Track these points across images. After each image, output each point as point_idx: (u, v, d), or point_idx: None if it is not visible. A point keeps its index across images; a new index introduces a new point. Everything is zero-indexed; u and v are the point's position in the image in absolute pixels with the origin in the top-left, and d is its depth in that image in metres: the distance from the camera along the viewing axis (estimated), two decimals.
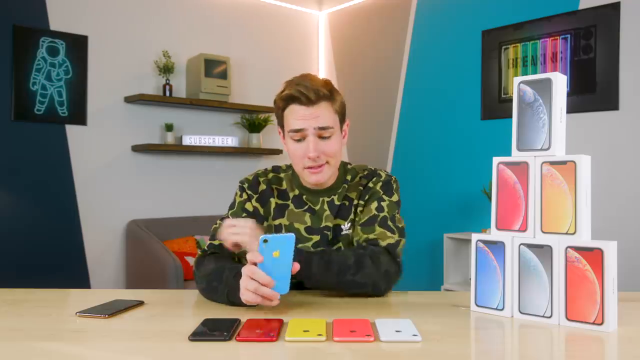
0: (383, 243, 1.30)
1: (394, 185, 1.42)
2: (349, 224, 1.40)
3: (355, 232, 1.36)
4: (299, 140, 1.33)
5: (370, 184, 1.41)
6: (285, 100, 1.34)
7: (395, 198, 1.40)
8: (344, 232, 1.39)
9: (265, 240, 1.07)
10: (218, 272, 1.22)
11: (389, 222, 1.35)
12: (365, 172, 1.45)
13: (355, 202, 1.41)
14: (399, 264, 1.31)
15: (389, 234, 1.32)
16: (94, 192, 3.49)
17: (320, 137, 1.33)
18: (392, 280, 1.27)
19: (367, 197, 1.40)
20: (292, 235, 1.08)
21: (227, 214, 1.44)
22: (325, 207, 1.41)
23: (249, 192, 1.44)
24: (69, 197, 3.39)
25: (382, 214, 1.35)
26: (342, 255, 1.23)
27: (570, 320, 1.00)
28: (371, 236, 1.32)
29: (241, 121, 4.14)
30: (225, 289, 1.17)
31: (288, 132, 1.35)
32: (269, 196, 1.44)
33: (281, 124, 1.41)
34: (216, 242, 1.36)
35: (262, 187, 1.45)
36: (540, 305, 1.04)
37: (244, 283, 1.08)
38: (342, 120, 1.39)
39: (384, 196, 1.39)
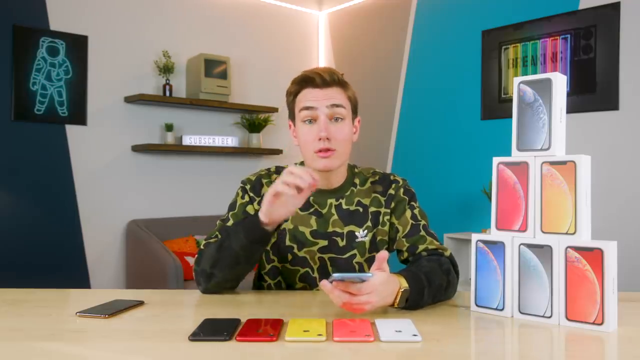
0: (447, 253, 1.32)
1: (412, 190, 1.44)
2: (365, 231, 1.37)
3: (401, 244, 1.35)
4: (309, 122, 1.32)
5: (392, 191, 1.40)
6: (299, 83, 1.34)
7: (418, 204, 1.42)
8: (359, 239, 1.37)
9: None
10: (223, 235, 1.26)
11: (429, 230, 1.37)
12: (377, 177, 1.43)
13: (374, 209, 1.39)
14: (457, 271, 1.31)
15: (435, 241, 1.35)
16: (94, 192, 3.49)
17: (332, 118, 1.31)
18: (456, 287, 1.29)
19: (392, 204, 1.39)
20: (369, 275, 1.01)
21: (226, 215, 1.39)
22: (333, 211, 1.38)
23: (251, 194, 1.40)
24: (69, 197, 3.39)
25: (421, 222, 1.37)
26: (436, 276, 1.19)
27: (570, 320, 1.00)
28: (430, 247, 1.32)
29: (241, 121, 4.14)
30: (239, 232, 1.20)
31: (299, 112, 1.33)
32: None
33: (292, 113, 1.38)
34: (212, 241, 1.31)
35: (265, 189, 1.40)
36: (540, 305, 1.03)
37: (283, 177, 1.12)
38: (353, 111, 1.38)
39: (412, 203, 1.40)
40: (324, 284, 1.01)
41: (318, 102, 1.30)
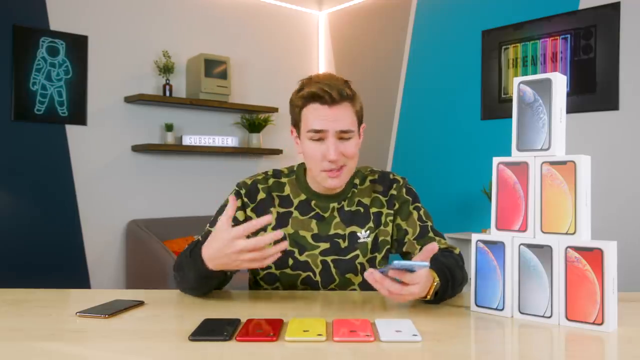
0: (456, 251, 1.34)
1: (414, 189, 1.44)
2: (368, 231, 1.37)
3: (412, 246, 1.36)
4: (317, 140, 1.28)
5: (394, 191, 1.40)
6: (306, 98, 1.28)
7: (422, 204, 1.43)
8: (361, 240, 1.36)
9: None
10: (185, 259, 1.22)
11: (436, 230, 1.39)
12: (376, 176, 1.43)
13: (375, 209, 1.38)
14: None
15: (443, 240, 1.37)
16: (94, 192, 3.49)
17: (340, 138, 1.28)
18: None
19: (396, 205, 1.39)
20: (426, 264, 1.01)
21: (214, 217, 1.36)
22: (335, 214, 1.37)
23: (245, 199, 1.37)
24: (69, 197, 3.39)
25: (428, 223, 1.38)
26: (456, 272, 1.20)
27: (570, 320, 1.00)
28: (441, 246, 1.34)
29: (241, 121, 4.14)
30: (192, 263, 1.17)
31: (307, 132, 1.28)
32: (269, 206, 1.37)
33: (296, 124, 1.34)
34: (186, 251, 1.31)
35: (262, 195, 1.37)
36: (540, 305, 1.03)
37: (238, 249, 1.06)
38: (359, 122, 1.35)
39: (417, 204, 1.41)
40: (373, 272, 1.00)
41: (327, 124, 1.26)
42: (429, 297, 1.09)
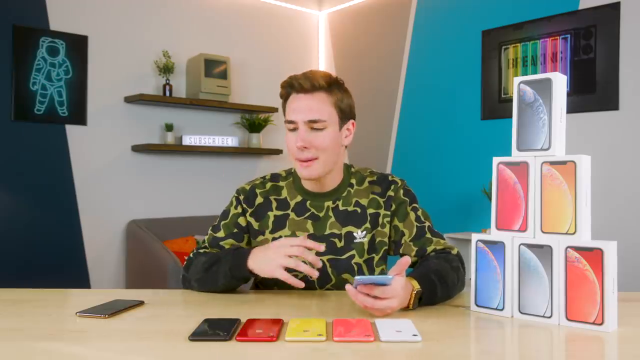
0: (454, 252, 1.34)
1: (412, 191, 1.45)
2: (364, 232, 1.38)
3: (409, 248, 1.36)
4: (292, 130, 1.34)
5: (391, 192, 1.40)
6: (284, 87, 1.36)
7: (419, 205, 1.43)
8: (357, 240, 1.37)
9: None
10: (214, 256, 1.30)
11: (434, 230, 1.39)
12: (375, 177, 1.43)
13: (372, 210, 1.39)
14: (464, 268, 1.34)
15: (442, 241, 1.37)
16: (94, 192, 3.49)
17: (311, 129, 1.32)
18: (464, 284, 1.31)
19: (393, 206, 1.40)
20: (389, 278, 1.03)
21: (218, 223, 1.43)
22: (331, 213, 1.38)
23: (244, 205, 1.41)
24: (69, 197, 3.39)
25: (425, 224, 1.39)
26: (446, 273, 1.21)
27: (570, 320, 1.00)
28: (438, 247, 1.35)
29: (241, 121, 4.14)
30: (227, 264, 1.25)
31: (285, 123, 1.36)
32: (267, 210, 1.41)
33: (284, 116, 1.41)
34: (202, 253, 1.37)
35: (259, 200, 1.42)
36: (540, 305, 1.03)
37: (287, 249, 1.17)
38: (342, 117, 1.36)
39: (414, 205, 1.41)
40: (349, 288, 1.04)
41: (298, 114, 1.32)
42: (410, 306, 1.11)
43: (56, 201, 3.35)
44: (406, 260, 1.08)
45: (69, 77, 3.39)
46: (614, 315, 0.97)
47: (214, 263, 1.29)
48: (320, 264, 1.19)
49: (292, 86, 1.34)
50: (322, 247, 1.18)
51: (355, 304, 1.20)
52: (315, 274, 1.16)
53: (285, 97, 1.37)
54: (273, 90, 4.22)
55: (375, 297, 1.03)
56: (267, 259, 1.19)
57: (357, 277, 1.01)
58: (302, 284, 1.17)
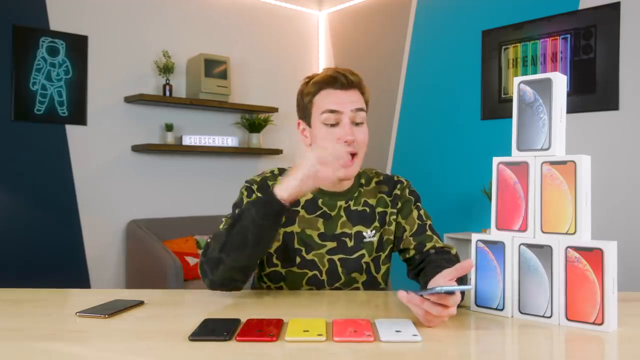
0: (453, 252, 1.34)
1: (417, 191, 1.46)
2: (373, 231, 1.38)
3: (408, 242, 1.36)
4: (332, 125, 1.30)
5: (397, 191, 1.42)
6: (320, 83, 1.32)
7: (422, 204, 1.44)
8: (367, 239, 1.37)
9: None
10: (233, 217, 1.19)
11: (434, 229, 1.40)
12: (381, 177, 1.45)
13: (380, 209, 1.39)
14: None
15: (440, 241, 1.38)
16: (94, 192, 3.49)
17: (354, 122, 1.31)
18: None
19: (399, 205, 1.40)
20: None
21: (231, 214, 1.34)
22: (342, 213, 1.37)
23: (258, 194, 1.35)
24: (69, 197, 3.39)
25: (427, 222, 1.39)
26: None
27: (570, 320, 1.00)
28: (437, 245, 1.35)
29: (241, 121, 4.14)
30: (251, 212, 1.14)
31: (321, 114, 1.30)
32: None
33: (306, 114, 1.35)
34: (221, 228, 1.28)
35: None
36: (540, 305, 1.03)
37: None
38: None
39: (418, 204, 1.42)
40: (412, 296, 0.96)
41: (342, 105, 1.29)
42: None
43: (56, 201, 3.35)
44: (469, 264, 1.00)
45: (69, 77, 3.39)
46: (614, 315, 0.97)
47: (237, 221, 1.17)
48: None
49: (330, 81, 1.30)
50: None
51: (357, 302, 1.20)
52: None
53: (314, 93, 1.33)
54: (273, 90, 4.27)
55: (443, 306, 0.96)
56: (296, 174, 1.13)
57: (436, 288, 0.92)
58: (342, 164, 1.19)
